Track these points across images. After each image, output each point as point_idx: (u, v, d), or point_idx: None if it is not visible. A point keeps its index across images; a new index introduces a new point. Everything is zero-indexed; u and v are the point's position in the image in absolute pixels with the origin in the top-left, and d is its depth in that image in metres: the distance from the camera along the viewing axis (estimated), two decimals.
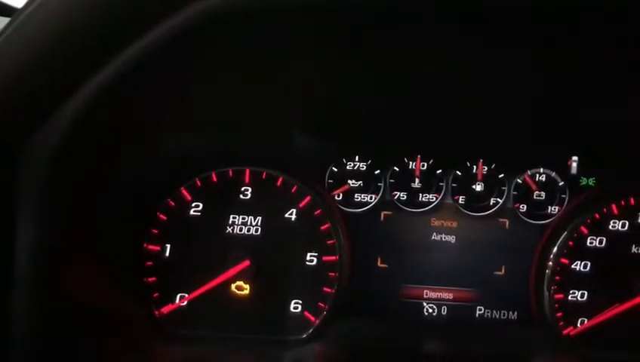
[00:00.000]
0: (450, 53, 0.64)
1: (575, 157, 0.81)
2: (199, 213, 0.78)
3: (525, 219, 0.81)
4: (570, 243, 0.79)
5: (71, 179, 0.58)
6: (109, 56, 0.45)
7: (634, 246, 0.79)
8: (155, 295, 0.77)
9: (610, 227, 0.79)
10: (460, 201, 0.81)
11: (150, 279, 0.77)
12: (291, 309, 0.78)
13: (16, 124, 0.51)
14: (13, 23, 0.44)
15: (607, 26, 0.56)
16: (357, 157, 0.80)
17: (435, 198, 0.80)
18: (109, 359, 0.61)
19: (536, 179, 0.81)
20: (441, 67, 0.66)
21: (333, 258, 0.78)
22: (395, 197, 0.81)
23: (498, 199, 0.81)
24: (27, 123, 0.52)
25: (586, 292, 0.79)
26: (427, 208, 0.81)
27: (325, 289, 0.78)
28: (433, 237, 0.81)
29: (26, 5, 0.45)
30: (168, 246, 0.78)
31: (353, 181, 0.81)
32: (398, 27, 0.57)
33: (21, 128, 0.52)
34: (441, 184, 0.80)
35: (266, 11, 0.51)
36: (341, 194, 0.81)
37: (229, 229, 0.78)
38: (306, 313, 0.78)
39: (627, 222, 0.79)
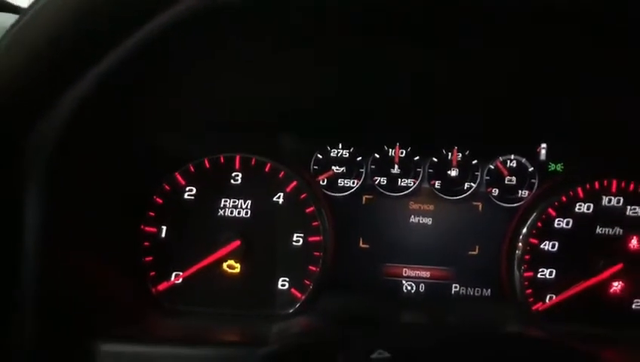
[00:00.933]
0: (424, 52, 0.69)
1: (544, 145, 0.84)
2: (193, 197, 0.82)
3: (497, 202, 0.84)
4: (539, 224, 0.82)
5: (72, 167, 0.62)
6: (113, 44, 0.49)
7: (598, 227, 0.82)
8: (152, 273, 0.81)
9: (576, 209, 0.82)
10: (437, 186, 0.84)
11: (147, 258, 0.81)
12: (279, 286, 0.82)
13: (23, 113, 0.56)
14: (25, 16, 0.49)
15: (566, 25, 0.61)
16: (340, 145, 0.84)
17: (413, 183, 0.84)
18: (109, 330, 0.64)
19: (508, 164, 0.84)
20: (417, 65, 0.69)
21: (318, 238, 0.82)
22: (376, 182, 0.84)
23: (472, 184, 0.84)
24: (32, 112, 0.56)
25: (553, 271, 0.83)
26: (406, 192, 0.84)
27: (311, 267, 0.81)
28: (411, 220, 0.84)
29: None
30: (164, 227, 0.81)
31: (337, 167, 0.84)
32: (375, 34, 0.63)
33: (27, 117, 0.56)
34: (418, 170, 0.84)
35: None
36: (325, 180, 0.84)
37: (221, 212, 0.82)
38: (293, 289, 0.81)
39: (592, 205, 0.82)
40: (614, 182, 0.82)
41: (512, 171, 0.84)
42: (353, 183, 0.84)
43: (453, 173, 0.85)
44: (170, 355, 0.65)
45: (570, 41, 0.64)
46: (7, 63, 0.51)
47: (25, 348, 0.56)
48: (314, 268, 0.82)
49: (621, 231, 0.82)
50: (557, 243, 0.83)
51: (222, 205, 0.82)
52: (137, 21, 0.48)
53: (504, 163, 0.84)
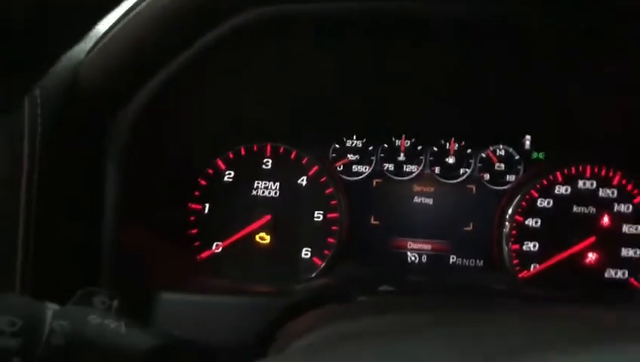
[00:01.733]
0: (423, 57, 0.78)
1: (528, 136, 0.93)
2: (231, 179, 0.92)
3: (488, 185, 0.93)
4: (524, 204, 0.91)
5: (141, 147, 0.72)
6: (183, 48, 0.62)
7: (574, 206, 0.90)
8: (197, 243, 0.91)
9: (555, 191, 0.91)
10: (436, 171, 0.94)
11: (193, 231, 0.91)
12: (302, 255, 0.92)
13: (109, 103, 0.69)
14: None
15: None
16: (354, 137, 0.95)
17: (416, 169, 0.94)
18: (165, 283, 0.74)
19: (497, 153, 0.94)
20: (419, 69, 0.80)
21: (336, 215, 0.91)
22: (385, 168, 0.94)
23: (467, 169, 0.94)
24: (116, 103, 0.70)
25: (536, 244, 0.91)
26: (410, 177, 0.94)
27: (329, 239, 0.91)
28: (415, 200, 0.94)
29: None
30: (207, 205, 0.92)
31: (351, 155, 0.95)
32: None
33: (111, 107, 0.69)
34: (421, 157, 0.94)
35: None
36: (342, 166, 0.95)
37: (254, 192, 0.92)
38: (314, 258, 0.91)
39: (569, 187, 0.91)
40: (588, 168, 0.91)
41: (500, 159, 0.94)
42: (365, 169, 0.95)
43: (451, 160, 0.94)
44: (213, 302, 0.72)
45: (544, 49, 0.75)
46: (100, 65, 0.66)
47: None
48: (332, 240, 0.91)
49: (594, 209, 0.90)
50: (539, 220, 0.91)
51: (255, 186, 0.92)
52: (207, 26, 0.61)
53: (494, 152, 0.94)
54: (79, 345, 0.43)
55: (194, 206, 0.91)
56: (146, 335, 0.46)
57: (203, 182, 0.92)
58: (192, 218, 0.92)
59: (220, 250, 0.92)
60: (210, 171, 0.92)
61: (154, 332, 0.48)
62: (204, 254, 0.92)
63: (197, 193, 0.92)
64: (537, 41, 0.71)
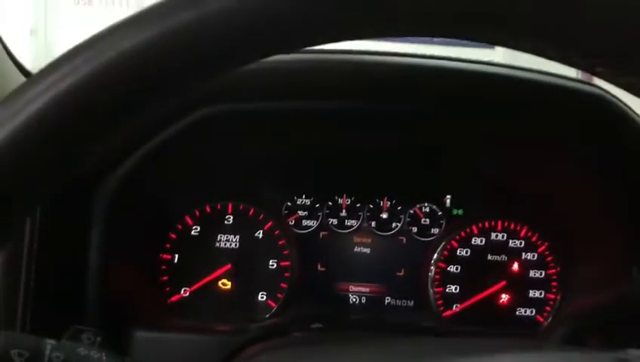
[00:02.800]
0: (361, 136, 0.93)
1: (448, 196, 1.07)
2: (197, 233, 1.03)
3: (416, 237, 1.06)
4: (446, 252, 1.04)
5: (122, 208, 0.85)
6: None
7: (489, 255, 1.04)
8: (167, 289, 1.01)
9: (472, 242, 1.04)
10: (373, 225, 1.07)
11: (164, 277, 1.01)
12: (259, 298, 1.03)
13: (99, 171, 0.84)
14: None
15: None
16: (304, 196, 1.07)
17: (356, 223, 1.07)
18: (140, 322, 0.87)
19: (423, 210, 1.07)
20: (358, 145, 0.96)
21: (288, 263, 1.03)
22: (329, 223, 1.07)
23: (398, 223, 1.06)
24: (105, 169, 0.83)
25: (458, 286, 1.03)
26: (351, 230, 1.07)
27: (282, 284, 1.02)
28: (355, 249, 1.06)
29: None
30: (177, 255, 1.02)
31: (301, 211, 1.07)
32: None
33: (101, 174, 0.83)
34: (359, 213, 1.07)
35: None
36: (293, 221, 1.06)
37: (217, 244, 1.03)
38: (269, 301, 1.02)
39: (484, 239, 1.04)
40: (499, 223, 1.05)
41: (426, 215, 1.07)
42: (313, 223, 1.07)
43: (384, 215, 1.07)
44: (180, 339, 0.86)
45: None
46: None
47: None
48: (284, 285, 1.02)
49: (505, 257, 1.04)
50: (459, 267, 1.04)
51: (218, 239, 1.03)
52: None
53: (420, 208, 1.08)
54: None
55: (165, 256, 1.03)
56: None
57: (173, 236, 1.04)
58: (164, 266, 1.03)
59: (187, 294, 1.03)
60: (180, 226, 1.04)
61: (130, 361, 0.62)
62: (174, 298, 1.03)
63: (167, 245, 1.03)
64: (446, 126, 0.89)
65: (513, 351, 0.45)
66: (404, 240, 1.08)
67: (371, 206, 1.09)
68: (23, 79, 0.79)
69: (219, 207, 1.06)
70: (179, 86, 0.30)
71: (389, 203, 1.09)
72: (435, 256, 1.06)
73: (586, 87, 0.77)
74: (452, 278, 1.05)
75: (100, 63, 0.26)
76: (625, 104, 0.76)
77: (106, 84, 0.27)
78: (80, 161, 0.30)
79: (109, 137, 0.31)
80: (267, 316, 1.03)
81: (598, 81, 0.77)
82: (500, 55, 1.16)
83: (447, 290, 1.06)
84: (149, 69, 0.27)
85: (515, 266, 1.06)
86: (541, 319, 1.05)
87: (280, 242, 1.06)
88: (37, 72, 0.28)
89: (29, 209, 0.30)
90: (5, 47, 0.76)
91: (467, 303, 1.04)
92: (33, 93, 0.26)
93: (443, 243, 1.06)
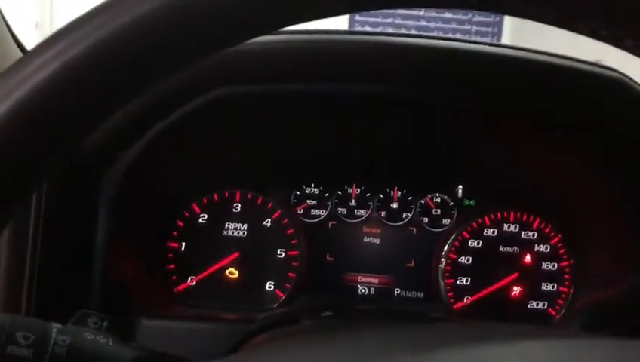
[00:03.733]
0: (371, 125, 0.92)
1: (460, 186, 1.06)
2: (205, 221, 1.02)
3: (427, 227, 1.05)
4: (457, 244, 1.02)
5: (129, 194, 0.84)
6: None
7: (500, 246, 1.03)
8: (174, 277, 1.00)
9: (484, 233, 1.03)
10: (382, 215, 1.05)
11: (171, 266, 1.00)
12: (266, 288, 1.02)
13: (108, 153, 0.83)
14: None
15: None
16: (312, 185, 1.06)
17: (365, 213, 1.05)
18: (145, 311, 0.86)
19: (434, 200, 1.06)
20: (368, 133, 0.94)
21: (296, 253, 1.01)
22: (339, 212, 1.05)
23: (408, 214, 1.05)
24: (115, 153, 0.82)
25: (469, 278, 1.02)
26: (360, 220, 1.05)
27: (290, 274, 1.01)
28: (364, 240, 1.05)
29: None
30: (184, 243, 1.01)
31: (310, 201, 1.06)
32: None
33: (110, 158, 0.82)
34: (369, 203, 1.05)
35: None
36: (302, 210, 1.05)
37: (225, 232, 1.01)
38: (277, 290, 1.01)
39: (496, 230, 1.03)
40: (512, 214, 1.04)
41: (437, 205, 1.06)
42: (322, 213, 1.05)
43: (395, 205, 1.06)
44: (186, 328, 0.85)
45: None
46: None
47: None
48: (292, 275, 1.01)
49: (517, 249, 1.03)
50: (471, 258, 1.03)
51: (226, 227, 1.02)
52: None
53: (432, 199, 1.06)
54: (77, 355, 0.56)
55: (172, 244, 1.02)
56: (130, 348, 0.60)
57: (180, 224, 1.02)
58: (170, 255, 1.02)
59: (194, 283, 1.02)
60: (187, 214, 1.02)
61: (137, 347, 0.61)
62: (181, 287, 1.02)
63: (175, 233, 1.02)
64: (458, 113, 0.87)
65: (531, 338, 0.43)
66: (415, 230, 1.07)
67: (381, 196, 1.08)
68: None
69: (227, 195, 1.05)
70: (168, 64, 0.31)
71: (399, 193, 1.08)
72: (446, 247, 1.05)
73: (605, 71, 0.75)
74: (463, 270, 1.05)
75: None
76: None
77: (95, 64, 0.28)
78: (75, 138, 0.30)
79: (102, 115, 0.31)
80: (275, 306, 1.03)
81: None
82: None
83: (457, 282, 1.05)
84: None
85: (528, 258, 1.04)
86: (553, 312, 1.04)
87: (288, 231, 1.05)
88: (31, 50, 0.28)
89: (27, 187, 0.30)
90: (7, 25, 0.75)
91: (478, 295, 1.03)
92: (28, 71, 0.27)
93: (454, 235, 1.05)
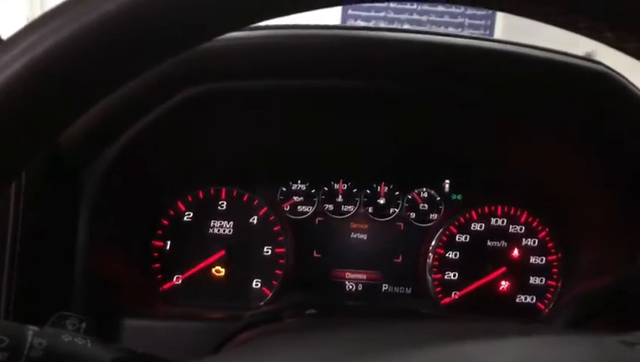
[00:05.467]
0: (356, 119, 0.91)
1: (447, 181, 1.05)
2: (190, 219, 1.01)
3: (414, 223, 1.04)
4: (444, 239, 1.02)
5: (111, 193, 0.83)
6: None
7: (488, 241, 1.03)
8: (159, 276, 0.99)
9: (471, 228, 1.03)
10: (369, 211, 1.05)
11: (156, 265, 0.99)
12: (253, 286, 1.01)
13: (87, 152, 0.81)
14: None
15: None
16: (299, 181, 1.05)
17: (352, 209, 1.05)
18: (130, 312, 0.86)
19: (421, 195, 1.05)
20: (354, 128, 0.93)
21: (283, 250, 1.01)
22: (325, 208, 1.05)
23: (395, 209, 1.05)
24: (95, 151, 0.81)
25: (456, 273, 1.02)
26: (347, 216, 1.05)
27: (277, 271, 1.00)
28: (352, 236, 1.04)
29: None
30: (169, 242, 1.00)
31: (296, 197, 1.05)
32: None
33: (89, 156, 0.81)
34: (356, 199, 1.05)
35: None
36: (288, 206, 1.04)
37: (211, 230, 1.01)
38: (264, 288, 1.00)
39: (483, 224, 1.03)
40: (499, 208, 1.04)
41: (424, 200, 1.05)
42: (309, 209, 1.05)
43: (382, 201, 1.05)
44: (172, 327, 0.85)
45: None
46: (73, 131, 0.78)
47: None
48: (279, 272, 1.01)
49: (505, 243, 1.03)
50: (458, 253, 1.03)
51: (211, 225, 1.01)
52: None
53: (419, 194, 1.06)
54: (54, 358, 0.55)
55: (157, 243, 1.01)
56: (109, 349, 0.59)
57: (165, 222, 1.01)
58: (156, 254, 1.01)
59: (180, 281, 1.01)
60: (172, 212, 1.01)
61: (116, 348, 0.60)
62: (166, 285, 1.01)
63: (160, 232, 1.01)
64: (445, 108, 0.86)
65: (512, 335, 0.42)
66: (402, 226, 1.07)
67: (368, 191, 1.07)
68: None
69: (212, 192, 1.04)
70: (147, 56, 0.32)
71: (386, 188, 1.07)
72: (434, 242, 1.04)
73: (590, 64, 0.75)
74: (451, 265, 1.04)
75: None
76: (629, 81, 0.73)
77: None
78: (45, 132, 0.30)
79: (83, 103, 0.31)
80: (262, 303, 1.02)
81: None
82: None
83: (445, 277, 1.04)
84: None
85: (516, 252, 1.04)
86: (542, 306, 1.04)
87: (275, 228, 1.04)
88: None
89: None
90: None
91: (466, 290, 1.03)
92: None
93: (442, 229, 1.05)
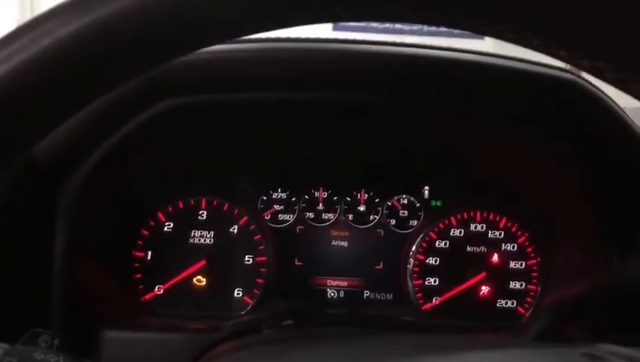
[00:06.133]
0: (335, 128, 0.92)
1: (427, 187, 1.06)
2: (171, 229, 1.01)
3: (394, 229, 1.05)
4: (424, 245, 1.02)
5: (88, 204, 0.82)
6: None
7: (468, 246, 1.03)
8: (140, 287, 0.99)
9: (451, 234, 1.03)
10: (350, 218, 1.05)
11: (137, 275, 1.00)
12: (235, 294, 1.01)
13: (64, 162, 0.81)
14: None
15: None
16: (279, 190, 1.06)
17: (333, 216, 1.05)
18: (110, 323, 0.85)
19: (401, 202, 1.06)
20: (334, 136, 0.94)
21: (264, 258, 1.01)
22: (306, 217, 1.05)
23: (375, 216, 1.05)
24: (72, 162, 0.81)
25: (437, 279, 1.02)
26: (328, 223, 1.05)
27: (258, 280, 1.00)
28: (332, 243, 1.05)
29: None
30: (150, 252, 1.00)
31: (277, 205, 1.05)
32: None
33: (66, 167, 0.81)
34: (337, 206, 1.05)
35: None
36: (269, 215, 1.05)
37: (191, 240, 1.01)
38: (245, 297, 1.00)
39: (462, 230, 1.03)
40: (479, 213, 1.04)
41: (404, 206, 1.06)
42: (290, 217, 1.05)
43: (362, 208, 1.06)
44: (152, 339, 0.84)
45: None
46: (49, 141, 0.79)
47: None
48: (261, 281, 1.01)
49: (485, 248, 1.03)
50: (438, 259, 1.03)
51: (192, 235, 1.01)
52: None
53: (398, 200, 1.06)
54: None
55: (138, 253, 1.01)
56: None
57: (145, 233, 1.01)
58: (136, 264, 1.01)
59: (161, 292, 1.01)
60: (152, 223, 1.01)
61: None
62: (148, 296, 1.01)
63: (140, 242, 1.01)
64: (419, 116, 0.87)
65: (478, 348, 0.43)
66: (382, 232, 1.07)
67: (348, 199, 1.08)
68: None
69: (192, 202, 1.04)
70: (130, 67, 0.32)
71: (366, 195, 1.08)
72: (414, 248, 1.05)
73: (559, 73, 0.76)
74: (431, 271, 1.04)
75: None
76: (599, 89, 0.75)
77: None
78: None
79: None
80: (243, 312, 1.02)
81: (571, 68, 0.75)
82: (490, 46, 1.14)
83: (426, 283, 1.05)
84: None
85: (495, 257, 1.04)
86: (522, 311, 1.04)
87: (256, 237, 1.04)
88: None
89: None
90: None
91: (447, 296, 1.03)
92: None
93: (421, 235, 1.05)
